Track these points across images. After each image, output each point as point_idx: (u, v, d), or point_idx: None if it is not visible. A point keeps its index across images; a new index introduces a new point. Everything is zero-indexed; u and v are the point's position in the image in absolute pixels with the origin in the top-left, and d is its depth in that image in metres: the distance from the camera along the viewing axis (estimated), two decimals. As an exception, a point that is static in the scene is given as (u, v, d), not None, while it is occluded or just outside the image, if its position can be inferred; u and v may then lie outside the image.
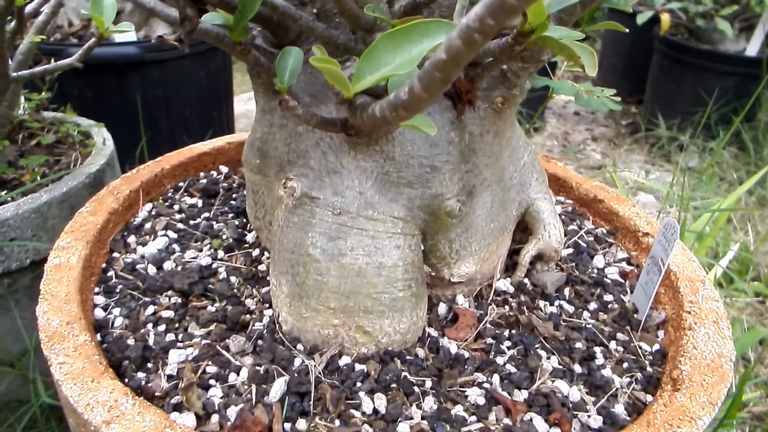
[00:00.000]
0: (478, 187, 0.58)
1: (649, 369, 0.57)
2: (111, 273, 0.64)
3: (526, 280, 0.66)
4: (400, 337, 0.55)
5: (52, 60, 1.18)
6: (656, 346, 0.60)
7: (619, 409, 0.52)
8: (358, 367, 0.53)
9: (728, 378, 0.52)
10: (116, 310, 0.59)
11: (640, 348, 0.60)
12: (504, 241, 0.63)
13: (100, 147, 0.96)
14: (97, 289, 0.62)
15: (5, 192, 0.83)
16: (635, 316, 0.64)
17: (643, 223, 0.76)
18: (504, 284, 0.64)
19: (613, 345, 0.60)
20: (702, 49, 2.22)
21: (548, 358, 0.57)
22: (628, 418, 0.51)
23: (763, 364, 1.34)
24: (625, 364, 0.57)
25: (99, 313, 0.59)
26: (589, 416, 0.51)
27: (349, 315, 0.54)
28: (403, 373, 0.53)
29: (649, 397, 0.54)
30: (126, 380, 0.51)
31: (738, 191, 1.31)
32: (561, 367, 0.56)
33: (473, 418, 0.50)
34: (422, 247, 0.58)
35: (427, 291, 0.62)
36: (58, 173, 0.88)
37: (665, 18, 2.24)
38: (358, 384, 0.52)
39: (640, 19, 2.18)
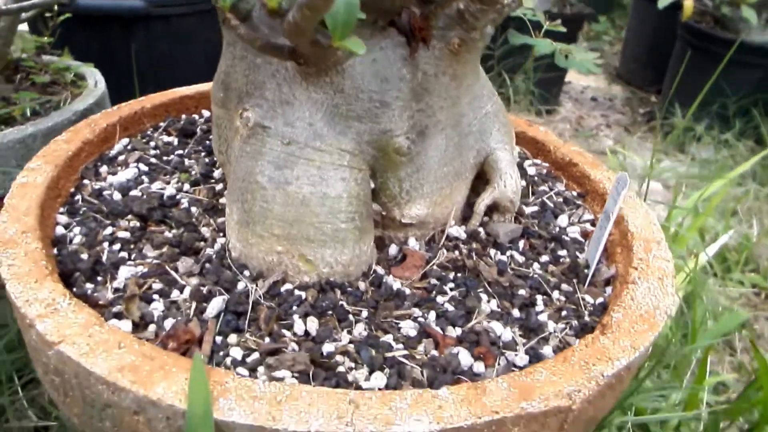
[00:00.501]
0: (432, 129, 0.59)
1: (586, 318, 0.57)
2: (78, 197, 0.67)
3: (480, 229, 0.66)
4: (341, 268, 0.56)
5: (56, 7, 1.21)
6: (600, 300, 0.60)
7: (547, 350, 0.53)
8: (298, 293, 0.55)
9: (658, 327, 0.52)
10: (77, 229, 0.61)
11: (583, 300, 0.60)
12: (459, 187, 0.64)
13: (91, 88, 0.98)
14: (61, 210, 0.64)
15: (-5, 123, 0.86)
16: (585, 271, 0.64)
17: (612, 187, 0.76)
18: (457, 231, 0.65)
19: (556, 295, 0.60)
20: (726, 38, 2.17)
21: (488, 301, 0.58)
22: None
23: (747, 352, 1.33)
24: (564, 312, 0.58)
25: (60, 230, 0.61)
26: (516, 354, 0.52)
27: (292, 242, 0.55)
28: (341, 302, 0.55)
29: (579, 342, 0.54)
30: (74, 289, 0.54)
31: (734, 172, 1.29)
32: (500, 310, 0.57)
33: (400, 346, 0.51)
34: (372, 185, 0.59)
35: (380, 232, 0.63)
36: (48, 111, 0.91)
37: (688, 3, 2.19)
38: (294, 308, 0.53)
39: (661, 3, 2.14)
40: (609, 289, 0.63)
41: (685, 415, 0.89)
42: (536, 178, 0.82)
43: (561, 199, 0.78)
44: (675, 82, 1.99)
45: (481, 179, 0.68)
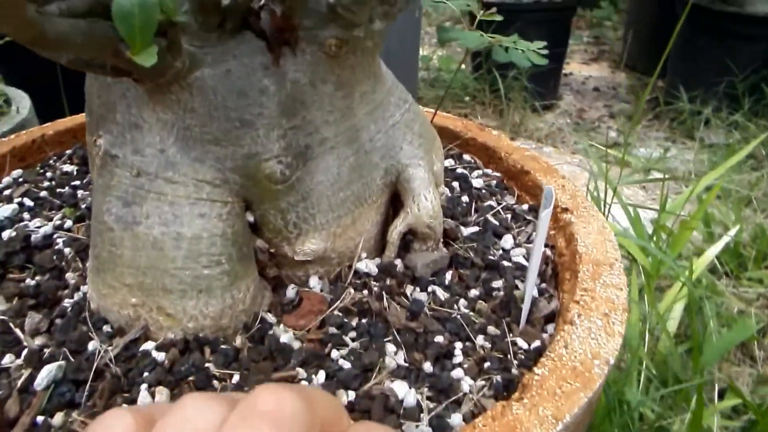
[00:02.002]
0: (316, 148, 0.49)
1: (514, 371, 0.47)
2: (-61, 242, 0.58)
3: (398, 262, 0.56)
4: (211, 321, 0.47)
5: None
6: (536, 343, 0.50)
7: (456, 419, 0.43)
8: (155, 354, 0.46)
9: (593, 385, 0.42)
10: None
11: (514, 345, 0.49)
12: (366, 213, 0.54)
13: (11, 115, 0.91)
14: None
15: None
16: (521, 306, 0.53)
17: (566, 197, 0.65)
18: (367, 265, 0.55)
19: (480, 340, 0.50)
20: (728, 12, 2.01)
21: (395, 353, 0.48)
22: None
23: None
24: (487, 364, 0.47)
25: None
26: (417, 426, 0.42)
27: (148, 294, 0.46)
28: (207, 364, 0.45)
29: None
30: None
31: (730, 161, 1.16)
32: (407, 365, 0.47)
33: (267, 421, 0.41)
34: (249, 218, 0.49)
35: (275, 271, 0.53)
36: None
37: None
38: (145, 374, 0.44)
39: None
40: (551, 327, 0.52)
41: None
42: (483, 191, 0.71)
43: (509, 215, 0.68)
44: (662, 62, 1.85)
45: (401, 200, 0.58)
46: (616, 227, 1.12)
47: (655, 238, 1.11)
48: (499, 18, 0.65)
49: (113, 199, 0.46)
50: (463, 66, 2.72)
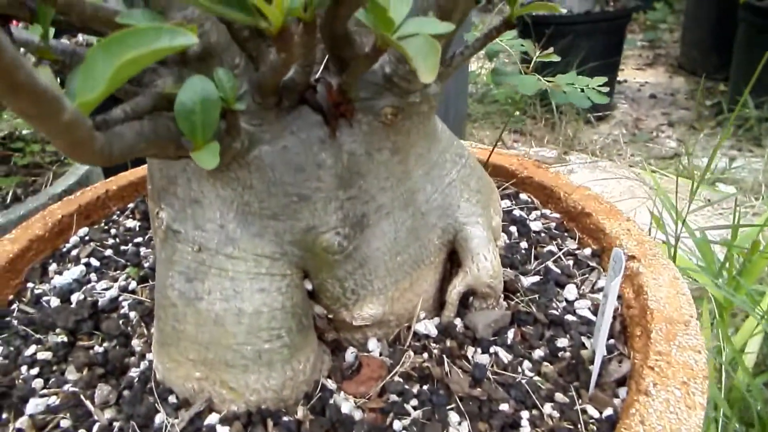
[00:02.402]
0: (372, 216, 0.48)
1: (585, 444, 0.45)
2: (14, 306, 0.61)
3: (457, 321, 0.55)
4: (273, 394, 0.47)
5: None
6: (608, 411, 0.47)
7: (527, 500, 0.41)
8: (220, 429, 0.46)
9: (674, 470, 0.39)
10: (0, 349, 0.55)
11: (584, 413, 0.47)
12: (424, 275, 0.53)
13: (76, 167, 0.95)
14: (-10, 326, 0.59)
15: (-30, 214, 0.83)
16: (590, 368, 0.51)
17: (633, 243, 0.62)
18: (426, 326, 0.53)
19: (548, 409, 0.48)
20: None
21: (459, 423, 0.47)
22: None
23: None
24: (556, 436, 0.45)
25: (-18, 353, 0.55)
26: (485, 508, 0.41)
27: (211, 368, 0.46)
28: (271, 439, 0.45)
29: (570, 487, 0.42)
30: (-28, 435, 0.48)
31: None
32: (472, 436, 0.46)
33: (332, 504, 0.41)
34: (307, 286, 0.49)
35: (334, 334, 0.53)
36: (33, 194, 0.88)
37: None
38: (211, 451, 0.44)
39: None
40: (623, 392, 0.50)
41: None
42: (542, 234, 0.69)
43: (571, 261, 0.65)
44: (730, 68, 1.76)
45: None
46: (684, 259, 1.06)
47: (727, 265, 1.05)
48: (556, 58, 0.63)
49: (176, 274, 0.47)
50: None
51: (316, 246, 0.46)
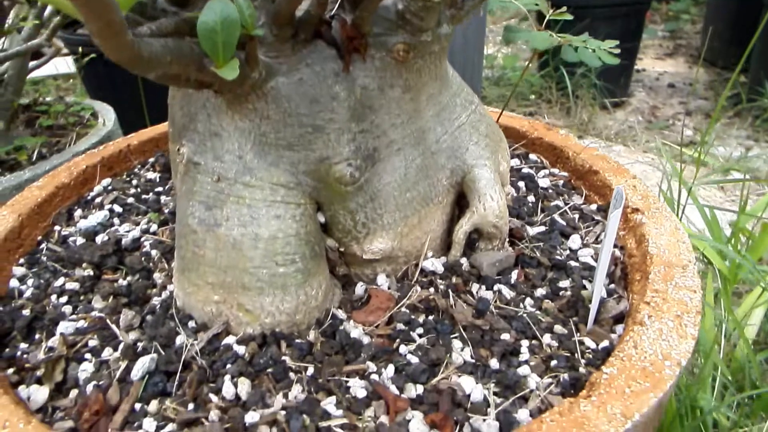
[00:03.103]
0: (383, 151, 0.50)
1: (581, 370, 0.47)
2: (44, 245, 0.64)
3: (463, 260, 0.57)
4: (286, 317, 0.50)
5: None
6: (604, 343, 0.49)
7: (523, 414, 0.43)
8: (236, 348, 0.49)
9: (663, 386, 0.41)
10: (30, 281, 0.59)
11: (581, 344, 0.49)
12: (432, 213, 0.55)
13: (99, 127, 0.98)
14: (21, 261, 0.62)
15: (-1, 171, 0.87)
16: (589, 306, 0.53)
17: (637, 198, 0.64)
18: (434, 264, 0.56)
19: (547, 339, 0.50)
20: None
21: (462, 349, 0.49)
22: (527, 426, 0.42)
23: None
24: (553, 362, 0.47)
25: (14, 284, 0.59)
26: (484, 420, 0.43)
27: (228, 291, 0.49)
28: (283, 358, 0.48)
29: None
30: (6, 350, 0.51)
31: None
32: (474, 361, 0.48)
33: (340, 412, 0.43)
34: (320, 219, 0.52)
35: (345, 269, 0.56)
36: (53, 153, 0.91)
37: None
38: (228, 366, 0.47)
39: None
40: (620, 328, 0.51)
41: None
42: (549, 191, 0.71)
43: (577, 215, 0.67)
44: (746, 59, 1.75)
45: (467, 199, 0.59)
46: (691, 229, 1.07)
47: (733, 242, 1.06)
48: (569, 17, 0.64)
49: (196, 203, 0.50)
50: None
51: (329, 176, 0.49)
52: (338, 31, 0.46)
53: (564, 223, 0.65)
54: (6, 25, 0.85)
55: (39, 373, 0.48)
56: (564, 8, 0.69)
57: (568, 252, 0.61)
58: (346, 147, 0.48)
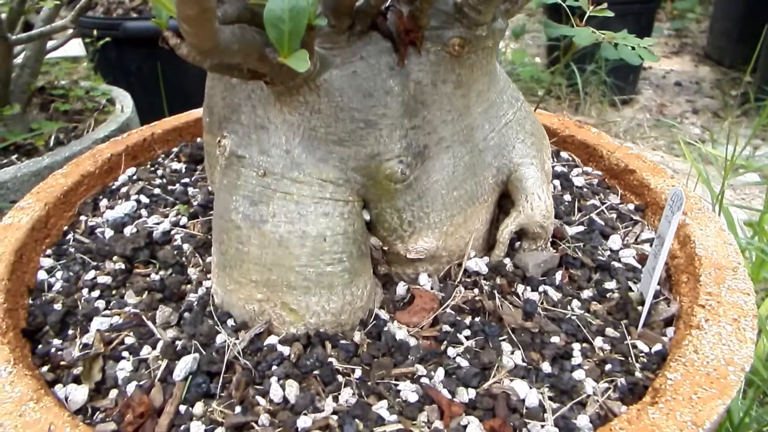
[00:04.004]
0: (433, 148, 0.49)
1: (638, 374, 0.46)
2: (70, 236, 0.63)
3: (507, 261, 0.56)
4: (331, 317, 0.48)
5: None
6: (657, 347, 0.48)
7: (583, 420, 0.42)
8: (280, 348, 0.47)
9: (730, 392, 0.40)
10: (59, 274, 0.57)
11: (634, 348, 0.48)
12: (477, 212, 0.54)
13: (117, 114, 0.96)
14: (48, 252, 0.60)
15: (15, 156, 0.85)
16: (639, 308, 0.52)
17: (678, 198, 0.63)
18: (478, 264, 0.54)
19: (599, 342, 0.49)
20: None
21: (512, 353, 0.48)
22: (588, 434, 0.41)
23: None
24: (608, 366, 0.46)
25: (42, 275, 0.57)
26: (542, 426, 0.42)
27: (272, 290, 0.48)
28: (330, 359, 0.46)
29: (625, 409, 0.43)
30: (39, 346, 0.49)
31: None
32: (525, 364, 0.47)
33: (394, 417, 0.42)
34: (365, 217, 0.50)
35: (386, 269, 0.54)
36: (72, 139, 0.89)
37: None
38: (274, 367, 0.46)
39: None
40: (670, 331, 0.50)
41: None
42: (584, 189, 0.70)
43: (614, 215, 0.66)
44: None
45: (509, 199, 0.58)
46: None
47: (756, 240, 1.06)
48: (610, 14, 0.63)
49: (240, 198, 0.48)
50: (537, 59, 2.68)
51: (379, 173, 0.47)
52: (394, 23, 0.45)
53: (602, 222, 0.64)
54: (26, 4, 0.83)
55: (76, 371, 0.46)
56: (605, 4, 0.68)
57: (609, 253, 0.60)
58: (398, 143, 0.47)
